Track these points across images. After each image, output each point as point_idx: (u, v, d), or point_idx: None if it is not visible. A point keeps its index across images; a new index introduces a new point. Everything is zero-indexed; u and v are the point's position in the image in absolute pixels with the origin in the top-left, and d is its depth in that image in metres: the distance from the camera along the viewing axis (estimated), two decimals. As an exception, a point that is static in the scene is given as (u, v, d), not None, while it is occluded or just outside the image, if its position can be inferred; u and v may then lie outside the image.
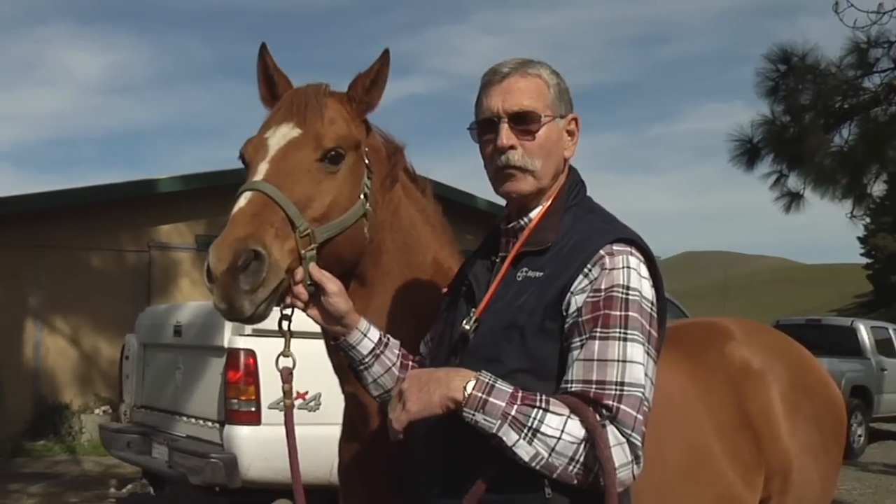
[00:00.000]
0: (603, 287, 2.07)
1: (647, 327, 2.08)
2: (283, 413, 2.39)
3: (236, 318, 2.19)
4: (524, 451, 1.94)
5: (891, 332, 17.77)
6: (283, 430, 2.38)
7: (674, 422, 3.21)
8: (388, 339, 2.42)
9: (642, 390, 2.01)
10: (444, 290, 2.50)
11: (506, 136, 2.21)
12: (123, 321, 12.63)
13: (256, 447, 6.72)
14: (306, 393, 6.74)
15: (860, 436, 15.42)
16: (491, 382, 1.99)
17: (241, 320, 2.22)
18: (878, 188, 11.66)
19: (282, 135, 2.40)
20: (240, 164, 2.48)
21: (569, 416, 1.95)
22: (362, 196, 2.47)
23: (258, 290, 2.16)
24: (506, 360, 2.10)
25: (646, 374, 2.03)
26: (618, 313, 2.04)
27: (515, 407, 1.95)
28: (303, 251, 2.26)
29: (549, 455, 1.94)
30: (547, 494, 2.01)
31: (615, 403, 1.97)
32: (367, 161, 2.52)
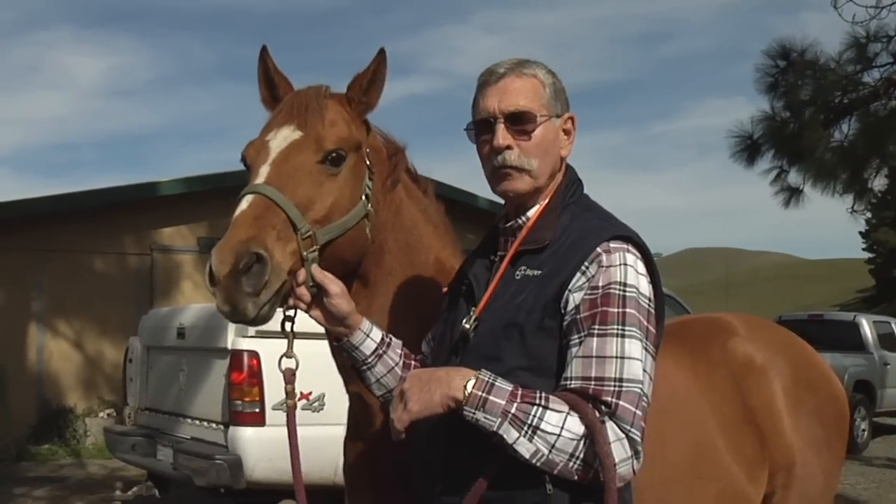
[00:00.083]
0: (600, 284, 2.08)
1: (645, 323, 2.09)
2: (286, 414, 2.40)
3: (240, 320, 2.20)
4: (525, 448, 1.96)
5: (893, 326, 17.75)
6: (286, 430, 2.40)
7: (677, 417, 3.22)
8: (391, 338, 2.44)
9: (641, 386, 2.03)
10: (445, 289, 2.51)
11: (502, 136, 2.23)
12: (126, 324, 12.65)
13: (261, 448, 6.73)
14: (310, 393, 6.76)
15: (863, 430, 15.40)
16: (491, 381, 2.00)
17: (245, 322, 2.23)
18: (878, 183, 11.67)
19: (283, 137, 2.41)
20: (241, 166, 2.50)
21: (568, 413, 1.97)
22: (364, 197, 2.48)
23: (261, 292, 2.17)
24: (506, 359, 2.11)
25: (644, 370, 2.05)
26: (615, 310, 2.05)
27: (515, 405, 1.97)
28: (305, 253, 2.27)
29: (550, 452, 1.96)
30: (548, 490, 2.03)
31: (614, 399, 1.99)
32: (368, 162, 2.53)
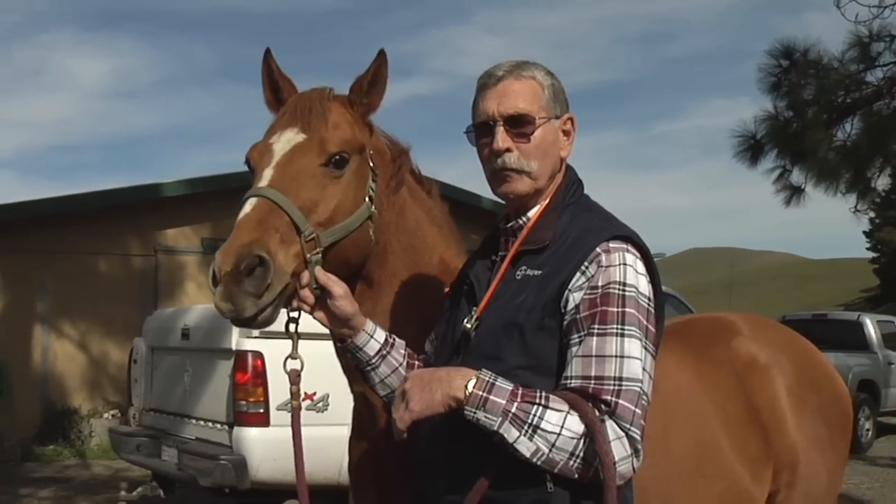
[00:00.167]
0: (600, 284, 2.09)
1: (645, 323, 2.10)
2: (290, 414, 2.41)
3: (238, 318, 2.20)
4: (525, 447, 1.97)
5: (897, 325, 17.72)
6: (291, 430, 2.41)
7: (680, 416, 3.23)
8: (394, 339, 2.45)
9: (640, 385, 2.04)
10: (447, 289, 2.52)
11: (501, 139, 2.24)
12: (131, 325, 12.66)
13: (265, 448, 6.73)
14: (314, 394, 6.76)
15: (868, 430, 15.37)
16: (491, 381, 2.02)
17: (244, 323, 2.23)
18: (882, 182, 11.67)
19: (286, 140, 2.42)
20: (245, 168, 2.51)
21: (568, 412, 1.98)
22: (367, 199, 2.49)
23: (263, 294, 2.18)
24: (506, 358, 2.13)
25: (643, 369, 2.06)
26: (615, 310, 2.07)
27: (516, 404, 1.98)
28: (308, 255, 2.28)
29: (550, 451, 1.97)
30: (549, 489, 2.04)
31: (613, 398, 2.00)
32: (371, 164, 2.54)
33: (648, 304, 2.14)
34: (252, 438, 6.81)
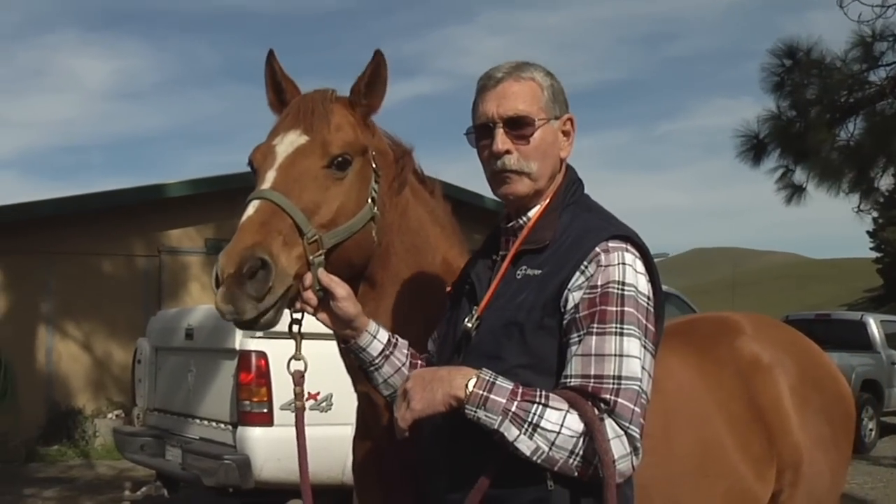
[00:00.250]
0: (599, 283, 2.11)
1: (644, 322, 2.12)
2: (294, 415, 2.42)
3: (239, 320, 2.20)
4: (525, 445, 1.99)
5: (901, 325, 17.69)
6: (295, 431, 2.42)
7: (684, 415, 3.24)
8: (397, 339, 2.46)
9: (639, 383, 2.05)
10: (448, 289, 2.53)
11: (501, 141, 2.25)
12: (134, 326, 12.69)
13: (269, 448, 6.75)
14: (318, 394, 6.77)
15: (871, 430, 15.35)
16: (491, 380, 2.03)
17: (245, 324, 2.22)
18: (885, 182, 11.65)
19: (289, 142, 2.43)
20: (248, 168, 2.52)
21: (568, 411, 2.00)
22: (370, 200, 2.50)
23: (264, 297, 2.19)
24: (507, 357, 2.14)
25: (643, 368, 2.07)
26: (614, 309, 2.08)
27: (516, 403, 2.00)
28: (311, 257, 2.29)
29: (550, 449, 1.99)
30: (549, 487, 2.06)
31: (612, 397, 2.01)
32: (374, 165, 2.55)
33: (648, 304, 2.15)
34: (256, 438, 6.82)
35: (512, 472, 2.06)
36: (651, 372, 2.12)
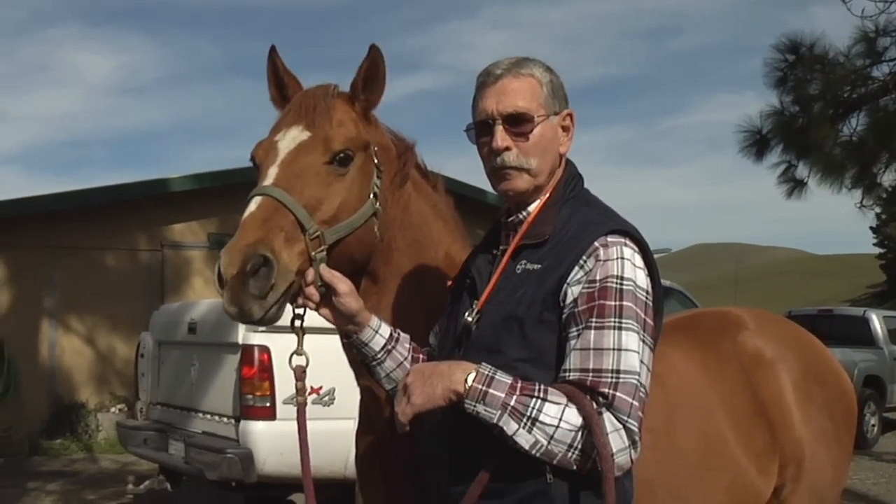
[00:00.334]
0: (598, 278, 2.12)
1: (642, 316, 2.12)
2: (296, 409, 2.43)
3: (246, 321, 2.24)
4: (524, 439, 2.00)
5: (904, 321, 17.67)
6: (297, 425, 2.43)
7: (687, 410, 3.25)
8: (399, 334, 2.47)
9: (637, 377, 2.06)
10: (449, 283, 2.54)
11: (500, 137, 2.26)
12: (137, 320, 12.70)
13: (272, 442, 6.75)
14: (320, 388, 6.78)
15: (873, 425, 15.33)
16: (490, 374, 2.04)
17: (251, 323, 2.27)
18: (888, 178, 11.65)
19: (291, 138, 2.44)
20: (251, 163, 2.52)
21: (566, 405, 2.01)
22: (372, 196, 2.51)
23: (267, 294, 2.20)
24: (506, 351, 2.15)
25: (641, 362, 2.08)
26: (612, 303, 2.09)
27: (514, 397, 2.01)
28: (313, 253, 2.30)
29: (549, 443, 2.00)
30: (548, 480, 2.07)
31: (611, 391, 2.02)
32: (376, 161, 2.55)
33: (646, 298, 2.16)
34: (258, 432, 6.83)
35: (512, 465, 2.08)
36: (650, 366, 2.13)
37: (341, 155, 2.43)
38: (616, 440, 2.01)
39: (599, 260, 2.14)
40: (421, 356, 2.50)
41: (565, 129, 2.37)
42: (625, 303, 2.10)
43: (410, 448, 2.43)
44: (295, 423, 2.41)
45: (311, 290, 2.31)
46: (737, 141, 11.54)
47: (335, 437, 5.62)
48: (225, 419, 7.24)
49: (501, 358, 2.13)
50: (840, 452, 3.66)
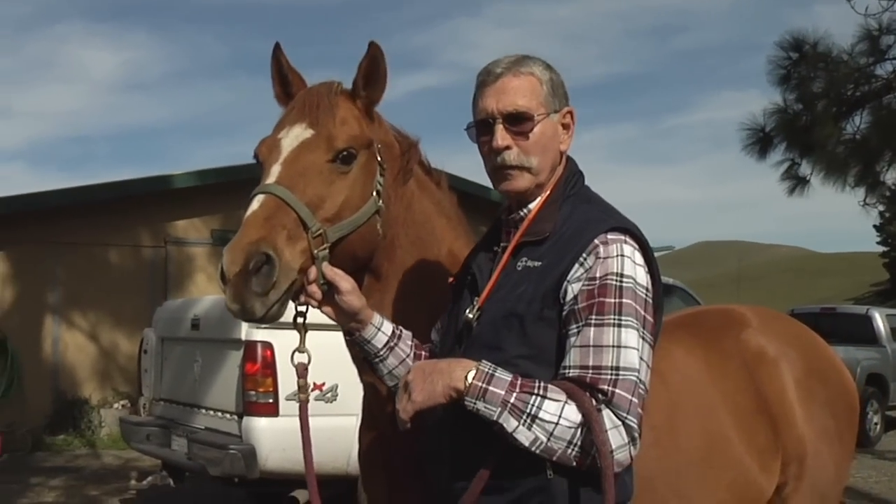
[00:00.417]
0: (598, 275, 2.12)
1: (642, 313, 2.13)
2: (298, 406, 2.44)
3: (248, 318, 2.25)
4: (524, 436, 2.01)
5: (907, 320, 17.64)
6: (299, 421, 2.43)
7: (689, 407, 3.25)
8: (401, 331, 2.48)
9: (637, 374, 2.06)
10: (451, 279, 2.55)
11: (501, 137, 2.26)
12: (140, 316, 12.72)
13: (274, 438, 6.76)
14: (323, 384, 6.79)
15: (876, 424, 15.32)
16: (490, 372, 2.05)
17: (253, 321, 2.27)
18: (891, 176, 11.64)
19: (294, 136, 2.44)
20: (254, 160, 2.53)
21: (566, 402, 2.02)
22: (375, 193, 2.51)
23: (269, 292, 2.21)
24: (507, 348, 2.16)
25: (641, 359, 2.09)
26: (612, 300, 2.09)
27: (514, 395, 2.02)
28: (315, 251, 2.30)
29: (548, 439, 2.01)
30: (548, 476, 2.08)
31: (610, 388, 2.03)
32: (379, 158, 2.55)
33: (646, 295, 2.17)
34: (261, 428, 6.83)
35: (512, 461, 2.09)
36: (649, 363, 2.13)
37: (344, 153, 2.43)
38: (615, 437, 2.01)
39: (599, 257, 2.14)
40: (423, 353, 2.50)
41: (566, 126, 2.37)
42: (624, 300, 2.10)
43: (412, 444, 2.44)
44: (297, 419, 2.42)
45: (314, 289, 2.31)
46: (740, 139, 11.55)
47: (338, 433, 5.64)
48: (228, 415, 7.25)
49: (502, 355, 2.14)
50: (842, 451, 3.66)
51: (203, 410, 7.66)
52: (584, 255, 2.16)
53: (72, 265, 14.64)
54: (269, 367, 6.82)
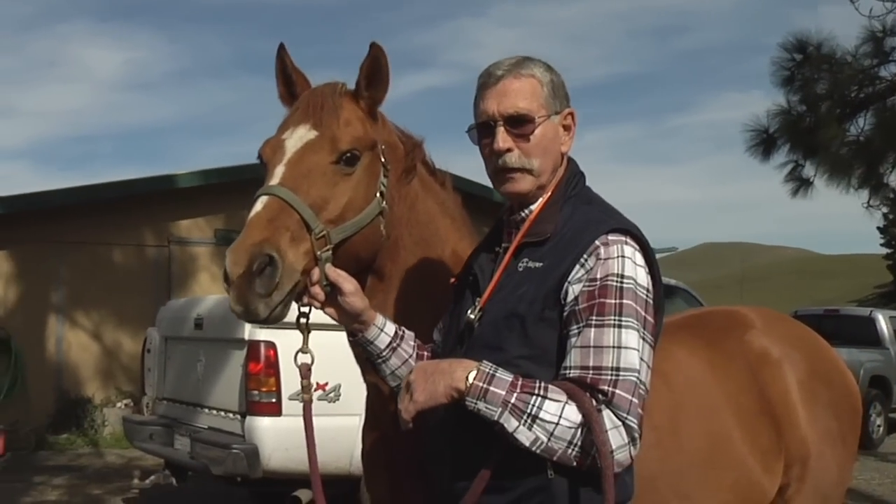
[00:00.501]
0: (598, 276, 2.13)
1: (643, 314, 2.14)
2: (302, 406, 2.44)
3: (252, 320, 2.25)
4: (524, 436, 2.02)
5: (910, 322, 17.62)
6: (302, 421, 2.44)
7: (692, 407, 3.25)
8: (404, 331, 2.49)
9: (637, 374, 2.07)
10: (452, 280, 2.55)
11: (502, 139, 2.27)
12: (144, 315, 12.71)
13: (277, 438, 6.77)
14: (326, 384, 6.79)
15: (879, 426, 15.32)
16: (491, 372, 2.06)
17: (257, 322, 2.28)
18: (895, 178, 11.62)
19: (298, 137, 2.44)
20: (258, 160, 2.53)
21: (566, 402, 2.02)
22: (378, 195, 2.51)
23: (273, 293, 2.22)
24: (508, 348, 2.17)
25: (641, 359, 2.09)
26: (612, 301, 2.10)
27: (515, 395, 2.02)
28: (318, 252, 2.31)
29: (549, 440, 2.01)
30: (549, 476, 2.09)
31: (610, 388, 2.04)
32: (383, 159, 2.55)
33: (647, 296, 2.17)
34: (264, 428, 6.84)
35: (513, 461, 2.10)
36: (650, 363, 2.14)
37: (348, 155, 2.44)
38: (615, 437, 2.02)
39: (600, 258, 2.15)
40: (426, 353, 2.51)
41: (566, 128, 2.37)
42: (625, 301, 2.11)
43: (415, 444, 2.44)
44: (301, 419, 2.42)
45: (317, 290, 2.32)
46: (744, 140, 11.54)
47: (341, 433, 5.64)
48: (231, 415, 7.26)
49: (503, 355, 2.14)
50: (845, 452, 3.66)
51: (206, 410, 7.67)
52: (585, 256, 2.16)
53: (75, 264, 14.66)
54: (272, 366, 6.82)
